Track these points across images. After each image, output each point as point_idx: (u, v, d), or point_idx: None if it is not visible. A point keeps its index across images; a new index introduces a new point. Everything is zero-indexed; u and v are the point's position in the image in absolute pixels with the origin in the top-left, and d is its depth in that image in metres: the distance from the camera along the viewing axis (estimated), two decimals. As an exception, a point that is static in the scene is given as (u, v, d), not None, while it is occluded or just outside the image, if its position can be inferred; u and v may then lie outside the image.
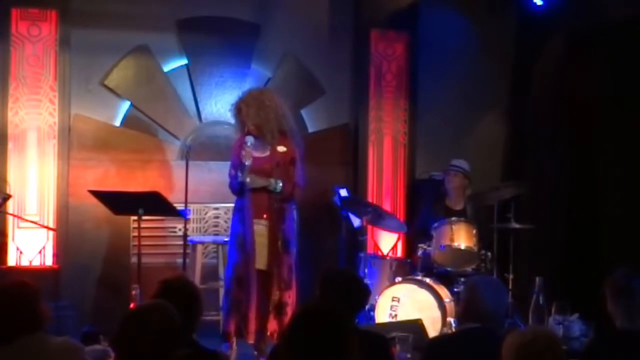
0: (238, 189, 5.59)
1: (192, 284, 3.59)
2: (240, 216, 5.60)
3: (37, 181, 6.33)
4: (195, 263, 6.43)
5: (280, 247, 5.54)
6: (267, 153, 5.59)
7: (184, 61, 6.95)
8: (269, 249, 5.55)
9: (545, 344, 2.81)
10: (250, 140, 5.47)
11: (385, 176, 7.34)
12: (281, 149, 5.60)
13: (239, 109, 5.58)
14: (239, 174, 5.48)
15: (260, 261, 5.55)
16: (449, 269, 6.36)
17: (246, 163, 5.46)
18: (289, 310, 5.55)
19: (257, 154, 5.55)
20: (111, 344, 3.12)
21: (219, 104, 7.01)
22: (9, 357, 3.09)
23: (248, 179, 5.46)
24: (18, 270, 6.10)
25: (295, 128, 5.82)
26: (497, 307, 3.69)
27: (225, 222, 6.83)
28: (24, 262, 6.23)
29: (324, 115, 7.35)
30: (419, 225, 6.85)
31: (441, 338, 4.64)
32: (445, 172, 6.83)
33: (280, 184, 5.53)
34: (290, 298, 5.61)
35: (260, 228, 5.57)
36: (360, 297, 3.82)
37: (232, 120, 5.84)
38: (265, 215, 5.55)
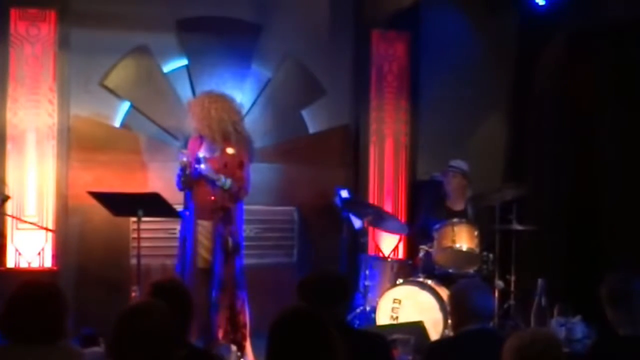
0: (181, 187, 5.82)
1: (184, 286, 3.58)
2: (186, 216, 5.87)
3: (36, 182, 6.29)
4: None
5: (230, 248, 5.68)
6: (217, 154, 5.80)
7: (184, 62, 6.91)
8: (210, 249, 5.73)
9: (544, 346, 2.79)
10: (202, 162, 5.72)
11: (386, 177, 7.31)
12: (230, 150, 5.80)
13: (189, 111, 5.94)
14: (196, 165, 5.68)
15: (200, 260, 5.77)
16: (450, 270, 6.34)
17: (202, 155, 5.75)
18: (242, 311, 5.75)
19: (207, 154, 5.81)
20: (107, 344, 3.08)
21: (219, 104, 6.98)
22: (12, 357, 3.06)
23: (203, 166, 5.68)
24: (17, 272, 6.08)
25: (247, 136, 6.01)
26: (488, 305, 3.83)
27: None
28: (23, 264, 6.20)
29: (325, 116, 7.31)
30: (420, 226, 6.83)
31: (442, 341, 4.61)
32: (443, 173, 6.80)
33: (229, 182, 5.68)
34: (243, 299, 5.78)
35: (202, 228, 5.77)
36: (340, 292, 3.64)
37: None
38: (209, 216, 5.74)
